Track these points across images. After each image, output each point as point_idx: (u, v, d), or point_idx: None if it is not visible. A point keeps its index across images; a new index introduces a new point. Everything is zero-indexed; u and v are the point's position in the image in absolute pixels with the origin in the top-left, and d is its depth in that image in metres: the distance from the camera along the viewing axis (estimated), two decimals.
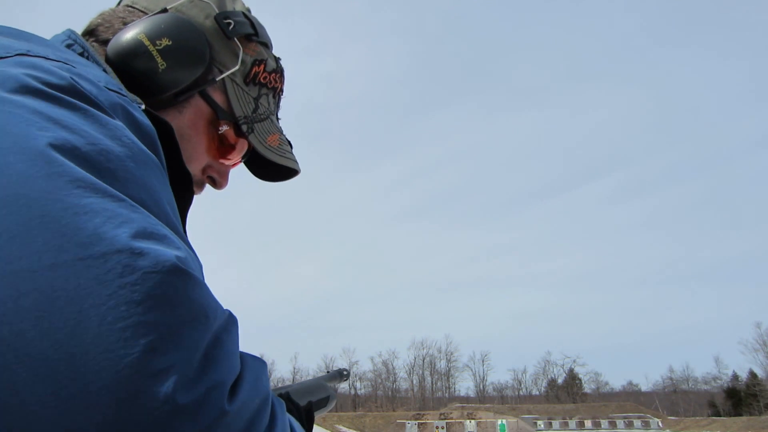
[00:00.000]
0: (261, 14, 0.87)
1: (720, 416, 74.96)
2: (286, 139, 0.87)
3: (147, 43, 0.68)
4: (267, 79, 0.82)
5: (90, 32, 0.73)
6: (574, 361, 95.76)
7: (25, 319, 0.34)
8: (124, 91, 0.55)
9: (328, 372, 1.10)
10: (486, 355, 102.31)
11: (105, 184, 0.41)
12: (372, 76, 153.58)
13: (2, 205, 0.37)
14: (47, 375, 0.33)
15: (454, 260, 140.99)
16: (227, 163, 0.81)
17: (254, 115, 0.79)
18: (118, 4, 0.79)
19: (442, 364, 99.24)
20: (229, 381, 0.39)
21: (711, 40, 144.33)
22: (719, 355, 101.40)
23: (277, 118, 0.87)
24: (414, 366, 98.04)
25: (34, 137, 0.40)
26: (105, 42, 0.71)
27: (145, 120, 0.52)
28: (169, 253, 0.39)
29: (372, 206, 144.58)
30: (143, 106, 0.56)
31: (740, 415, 72.65)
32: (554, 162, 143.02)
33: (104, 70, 0.62)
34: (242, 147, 0.80)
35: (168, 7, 0.74)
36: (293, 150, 0.89)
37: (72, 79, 0.47)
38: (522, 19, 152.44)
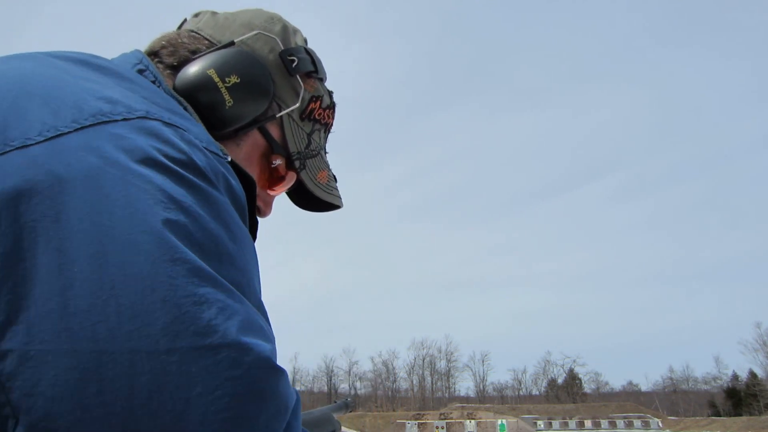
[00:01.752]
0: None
1: (720, 416, 74.91)
2: (333, 174, 0.88)
3: (216, 79, 0.70)
4: (321, 116, 0.83)
5: (154, 53, 0.74)
6: (574, 361, 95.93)
7: (137, 398, 0.37)
8: (216, 146, 0.56)
9: (335, 402, 1.12)
10: (486, 355, 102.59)
11: (214, 272, 0.44)
12: (374, 76, 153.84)
13: (131, 282, 0.39)
14: None
15: (454, 260, 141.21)
16: (273, 193, 0.82)
17: (306, 150, 0.81)
18: (180, 26, 0.80)
19: (442, 364, 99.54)
20: None
21: (713, 41, 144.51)
22: (719, 355, 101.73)
23: (325, 152, 0.88)
24: (414, 366, 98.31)
25: (160, 217, 0.43)
26: (169, 66, 0.73)
27: (238, 186, 0.55)
28: (267, 348, 0.43)
29: (373, 206, 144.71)
30: (229, 158, 0.57)
31: (740, 415, 72.61)
32: (555, 162, 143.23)
33: (184, 108, 0.63)
34: (291, 179, 0.81)
35: (235, 41, 0.75)
36: (338, 183, 0.90)
37: (189, 152, 0.49)
38: (524, 19, 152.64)
